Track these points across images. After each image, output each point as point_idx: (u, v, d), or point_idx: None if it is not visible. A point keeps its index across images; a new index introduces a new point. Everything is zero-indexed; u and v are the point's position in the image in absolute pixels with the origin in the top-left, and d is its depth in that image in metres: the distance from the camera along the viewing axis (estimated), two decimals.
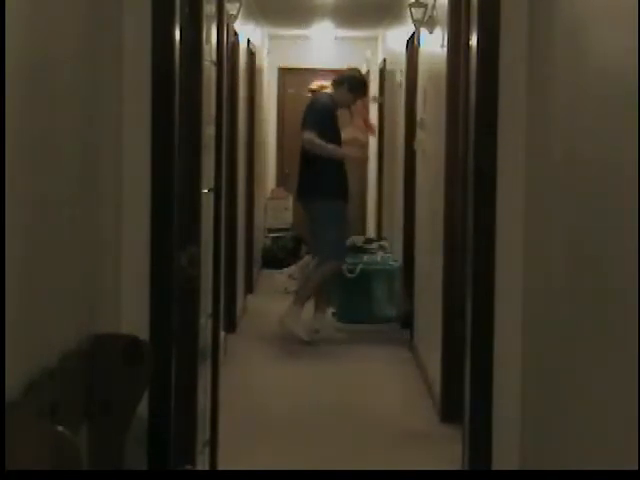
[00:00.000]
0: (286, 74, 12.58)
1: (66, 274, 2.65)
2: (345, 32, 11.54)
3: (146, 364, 2.88)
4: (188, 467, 3.54)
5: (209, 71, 3.90)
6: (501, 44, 3.52)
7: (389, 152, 9.07)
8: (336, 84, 7.55)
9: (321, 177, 7.26)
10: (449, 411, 5.16)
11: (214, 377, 3.93)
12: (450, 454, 4.25)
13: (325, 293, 7.54)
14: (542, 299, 3.33)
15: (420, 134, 6.72)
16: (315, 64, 11.76)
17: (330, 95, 7.53)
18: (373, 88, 11.34)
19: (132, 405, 2.83)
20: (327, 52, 11.89)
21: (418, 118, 6.82)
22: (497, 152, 3.54)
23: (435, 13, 6.01)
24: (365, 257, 8.03)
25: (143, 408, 3.12)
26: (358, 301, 7.79)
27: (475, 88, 3.60)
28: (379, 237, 9.68)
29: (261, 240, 10.67)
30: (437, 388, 5.44)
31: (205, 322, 3.84)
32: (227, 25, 5.66)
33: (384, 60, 10.30)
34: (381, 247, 8.53)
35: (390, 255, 8.23)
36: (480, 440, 3.60)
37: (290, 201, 11.25)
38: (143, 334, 3.19)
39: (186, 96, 3.43)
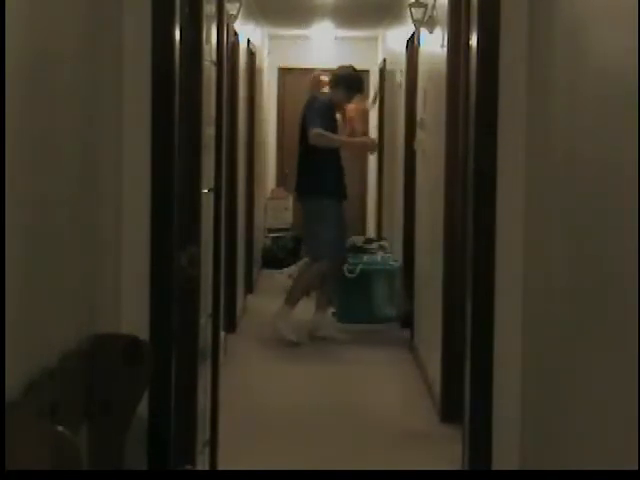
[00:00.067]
0: (286, 74, 12.57)
1: (66, 274, 2.65)
2: (345, 32, 11.54)
3: (146, 364, 2.88)
4: (188, 467, 3.54)
5: (209, 71, 3.90)
6: (501, 44, 3.52)
7: (389, 152, 9.07)
8: (332, 84, 7.54)
9: (319, 175, 7.27)
10: (449, 411, 5.16)
11: (214, 377, 3.93)
12: (450, 454, 4.25)
13: (327, 292, 7.54)
14: (542, 299, 3.33)
15: (420, 134, 6.72)
16: (315, 64, 11.73)
17: (328, 95, 7.53)
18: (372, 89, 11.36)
19: (132, 405, 2.83)
20: (327, 52, 11.89)
21: (418, 118, 6.82)
22: (497, 152, 3.54)
23: (435, 13, 6.01)
24: (365, 257, 8.03)
25: (143, 408, 3.12)
26: (358, 301, 7.78)
27: (475, 88, 3.60)
28: (379, 237, 9.67)
29: (261, 240, 10.67)
30: (437, 388, 5.44)
31: (205, 322, 3.84)
32: (227, 25, 5.66)
33: (384, 60, 10.30)
34: (381, 247, 8.53)
35: (390, 255, 8.23)
36: (480, 440, 3.60)
37: (290, 201, 11.25)
38: (143, 334, 3.19)
39: (186, 96, 3.43)
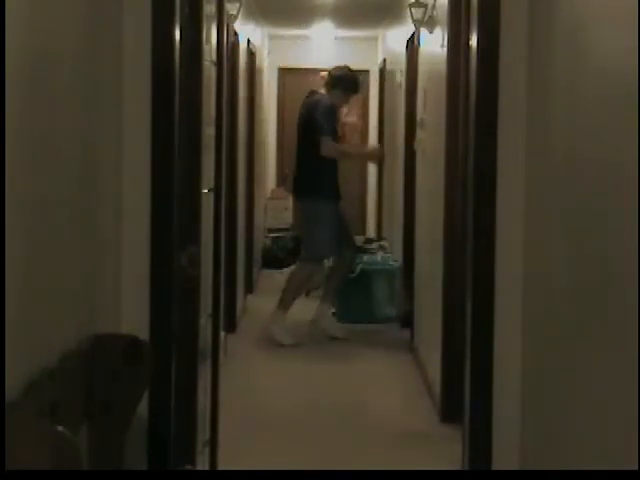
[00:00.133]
0: (286, 74, 12.57)
1: (66, 274, 2.65)
2: (345, 32, 11.54)
3: (146, 364, 2.88)
4: (188, 467, 3.54)
5: (209, 71, 3.90)
6: (501, 44, 3.52)
7: (389, 152, 9.07)
8: (329, 86, 7.54)
9: (317, 177, 7.28)
10: (449, 411, 5.16)
11: (214, 377, 3.93)
12: (450, 454, 4.25)
13: (332, 290, 7.55)
14: (542, 299, 3.33)
15: (420, 134, 6.72)
16: (315, 64, 11.73)
17: (328, 96, 7.52)
18: (373, 91, 11.37)
19: (132, 405, 2.83)
20: (327, 52, 11.88)
21: (418, 118, 6.82)
22: (497, 152, 3.54)
23: (435, 13, 6.00)
24: (365, 257, 8.03)
25: (143, 408, 3.12)
26: (358, 301, 7.78)
27: (475, 88, 3.60)
28: (379, 237, 9.68)
29: (261, 240, 10.67)
30: (437, 388, 5.44)
31: (205, 322, 3.84)
32: (227, 25, 5.65)
33: (384, 60, 10.30)
34: (381, 247, 8.53)
35: (390, 255, 8.23)
36: (480, 440, 3.60)
37: (290, 201, 11.23)
38: (143, 334, 3.19)
39: (186, 96, 3.43)
